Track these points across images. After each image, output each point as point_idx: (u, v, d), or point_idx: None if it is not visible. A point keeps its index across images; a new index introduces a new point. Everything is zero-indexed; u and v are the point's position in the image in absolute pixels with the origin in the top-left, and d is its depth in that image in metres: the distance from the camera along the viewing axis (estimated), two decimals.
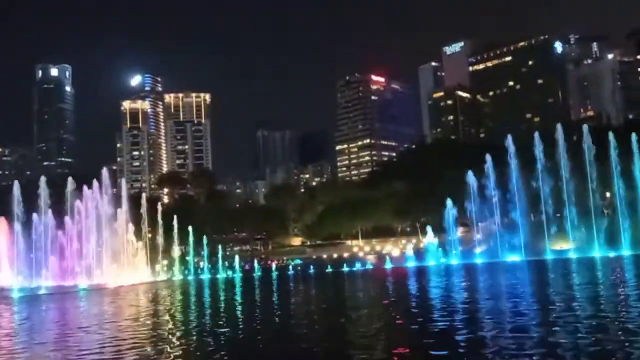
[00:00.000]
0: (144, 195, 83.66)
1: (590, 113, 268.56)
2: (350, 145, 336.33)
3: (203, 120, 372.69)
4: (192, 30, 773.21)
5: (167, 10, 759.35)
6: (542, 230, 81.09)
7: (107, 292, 48.95)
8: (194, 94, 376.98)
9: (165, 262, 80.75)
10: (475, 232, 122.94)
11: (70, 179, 70.67)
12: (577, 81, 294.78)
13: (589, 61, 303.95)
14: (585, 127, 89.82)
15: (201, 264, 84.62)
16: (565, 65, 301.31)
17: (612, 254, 64.22)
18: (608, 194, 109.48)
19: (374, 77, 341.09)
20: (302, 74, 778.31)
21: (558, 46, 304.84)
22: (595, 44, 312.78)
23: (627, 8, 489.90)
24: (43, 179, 67.75)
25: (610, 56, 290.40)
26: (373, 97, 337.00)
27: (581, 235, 78.13)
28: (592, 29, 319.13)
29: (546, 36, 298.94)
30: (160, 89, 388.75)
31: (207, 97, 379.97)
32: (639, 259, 53.72)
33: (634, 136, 76.00)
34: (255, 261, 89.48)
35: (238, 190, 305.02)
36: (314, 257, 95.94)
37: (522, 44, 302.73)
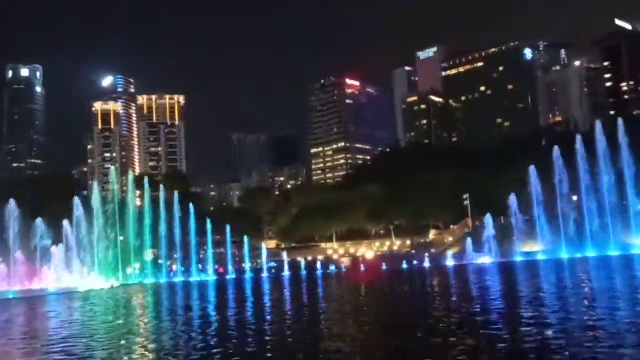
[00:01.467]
0: (116, 197, 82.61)
1: (559, 118, 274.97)
2: (325, 149, 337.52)
3: (177, 122, 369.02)
4: (166, 31, 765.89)
5: (139, 9, 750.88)
6: (511, 233, 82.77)
7: (76, 296, 48.32)
8: (167, 96, 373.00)
9: (137, 265, 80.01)
10: (446, 235, 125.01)
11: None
12: (546, 87, 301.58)
13: (558, 68, 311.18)
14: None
15: (174, 267, 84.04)
16: (534, 72, 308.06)
17: (578, 255, 66.02)
18: (575, 197, 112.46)
19: (348, 81, 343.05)
20: (277, 77, 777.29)
21: (528, 53, 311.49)
22: (563, 51, 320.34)
23: (594, 16, 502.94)
24: None
25: (577, 63, 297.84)
26: (348, 101, 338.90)
27: (550, 237, 79.99)
28: (560, 36, 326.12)
29: (516, 43, 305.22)
30: (132, 90, 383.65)
31: (182, 99, 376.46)
32: (604, 260, 55.39)
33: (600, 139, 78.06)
34: (230, 264, 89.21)
35: (212, 193, 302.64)
36: (289, 259, 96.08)
37: (493, 50, 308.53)
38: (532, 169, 76.69)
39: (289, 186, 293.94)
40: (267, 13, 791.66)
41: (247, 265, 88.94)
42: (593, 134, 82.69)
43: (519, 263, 63.47)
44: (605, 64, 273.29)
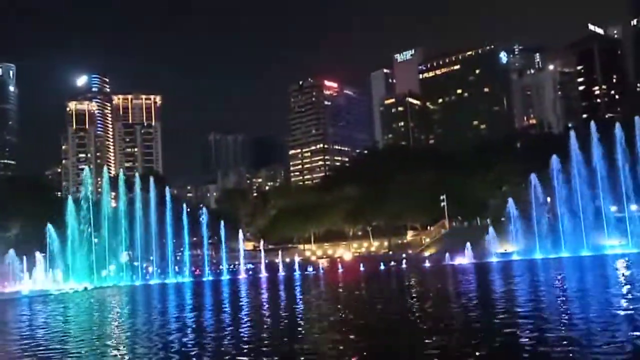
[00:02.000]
0: (90, 197, 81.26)
1: (533, 121, 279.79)
2: (304, 150, 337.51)
3: (153, 123, 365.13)
4: (142, 31, 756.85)
5: (116, 8, 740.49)
6: (485, 235, 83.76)
7: (48, 299, 47.39)
8: (143, 96, 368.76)
9: (112, 267, 78.84)
10: (423, 236, 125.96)
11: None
12: (520, 90, 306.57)
13: (532, 71, 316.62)
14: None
15: (150, 268, 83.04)
16: (509, 75, 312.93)
17: (552, 256, 67.09)
18: (549, 199, 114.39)
19: (327, 83, 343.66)
20: (255, 77, 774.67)
21: (503, 56, 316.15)
22: (537, 54, 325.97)
23: (568, 20, 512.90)
24: None
25: (551, 67, 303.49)
26: (326, 103, 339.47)
27: (524, 238, 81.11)
28: (534, 40, 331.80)
29: (492, 46, 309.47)
30: (108, 89, 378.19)
31: (158, 99, 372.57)
32: (576, 261, 56.39)
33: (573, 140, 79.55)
34: (207, 266, 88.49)
35: (189, 194, 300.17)
36: (267, 261, 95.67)
37: (469, 53, 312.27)
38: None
39: (266, 187, 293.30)
40: (245, 14, 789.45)
41: (224, 267, 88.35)
42: (567, 138, 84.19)
43: (495, 264, 64.23)
44: (578, 68, 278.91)
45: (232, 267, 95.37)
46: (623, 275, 34.30)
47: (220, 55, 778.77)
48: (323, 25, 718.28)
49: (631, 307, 18.38)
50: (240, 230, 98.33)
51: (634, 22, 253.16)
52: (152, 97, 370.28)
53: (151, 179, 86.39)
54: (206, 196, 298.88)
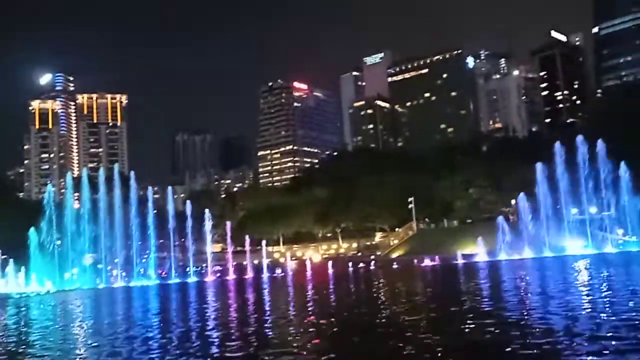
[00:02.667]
0: (52, 199, 79.28)
1: (499, 125, 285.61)
2: (273, 152, 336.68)
3: (119, 123, 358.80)
4: (108, 30, 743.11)
5: (81, 6, 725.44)
6: (451, 236, 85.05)
7: (8, 302, 45.99)
8: (109, 95, 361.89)
9: (75, 270, 77.03)
10: (392, 238, 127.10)
11: None
12: (486, 95, 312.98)
13: (497, 76, 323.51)
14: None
15: (115, 271, 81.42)
16: (476, 80, 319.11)
17: (515, 257, 68.50)
18: (513, 201, 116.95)
19: (296, 84, 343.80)
20: (224, 78, 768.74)
21: (470, 61, 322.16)
22: (503, 60, 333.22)
23: (533, 27, 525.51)
24: None
25: (516, 72, 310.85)
26: (296, 104, 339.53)
27: (489, 239, 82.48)
28: (500, 46, 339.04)
29: (459, 51, 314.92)
30: (72, 88, 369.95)
31: (124, 98, 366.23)
32: (539, 262, 57.69)
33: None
34: (173, 268, 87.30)
35: (155, 196, 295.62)
36: (235, 263, 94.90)
37: (437, 57, 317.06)
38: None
39: (235, 189, 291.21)
40: (214, 13, 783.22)
41: (190, 269, 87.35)
42: (532, 141, 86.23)
43: (460, 265, 65.19)
44: (542, 73, 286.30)
45: (199, 269, 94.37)
46: (581, 275, 35.28)
47: (189, 55, 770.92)
48: (293, 26, 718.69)
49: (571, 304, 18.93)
50: (208, 232, 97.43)
51: (595, 29, 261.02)
52: (117, 96, 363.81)
53: (116, 179, 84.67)
54: (173, 197, 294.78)
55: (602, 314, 16.75)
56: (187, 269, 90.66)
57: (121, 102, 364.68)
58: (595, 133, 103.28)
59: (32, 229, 68.12)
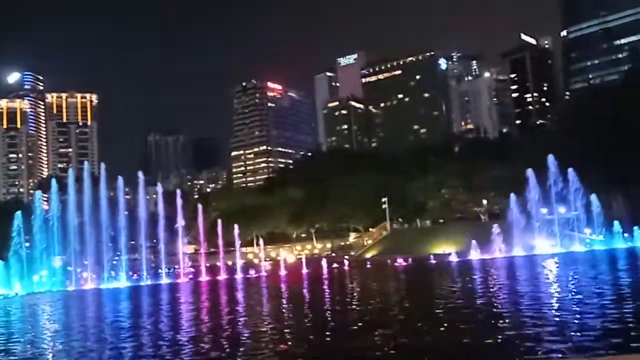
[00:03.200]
0: (20, 199, 77.52)
1: (470, 126, 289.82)
2: (246, 152, 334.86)
3: (89, 122, 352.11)
4: (79, 29, 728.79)
5: (50, 5, 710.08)
6: (424, 235, 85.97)
7: None
8: (79, 94, 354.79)
9: (45, 272, 75.43)
10: (365, 238, 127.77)
11: None
12: (458, 96, 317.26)
13: (469, 78, 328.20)
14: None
15: (85, 273, 79.98)
16: (448, 81, 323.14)
17: (485, 256, 69.56)
18: (485, 202, 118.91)
19: (270, 84, 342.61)
20: (198, 78, 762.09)
21: (442, 63, 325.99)
22: (474, 62, 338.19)
23: (503, 30, 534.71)
24: None
25: (487, 74, 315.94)
26: (270, 104, 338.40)
27: (461, 239, 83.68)
28: (472, 48, 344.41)
29: (432, 53, 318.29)
30: (41, 87, 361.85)
31: (94, 97, 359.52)
32: (509, 260, 58.76)
33: None
34: (145, 270, 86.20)
35: (127, 197, 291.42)
36: (208, 264, 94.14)
37: (410, 59, 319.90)
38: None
39: (208, 190, 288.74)
40: (189, 13, 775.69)
41: (162, 271, 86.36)
42: (502, 142, 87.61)
43: (432, 264, 65.94)
44: (512, 75, 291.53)
45: (171, 270, 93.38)
46: (551, 273, 36.09)
47: (161, 54, 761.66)
48: (269, 27, 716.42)
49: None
50: (180, 233, 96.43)
51: (564, 33, 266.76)
52: (88, 95, 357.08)
53: (85, 179, 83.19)
54: (145, 198, 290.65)
55: (564, 310, 17.19)
56: (159, 271, 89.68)
57: (91, 101, 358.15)
58: (563, 134, 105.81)
59: None
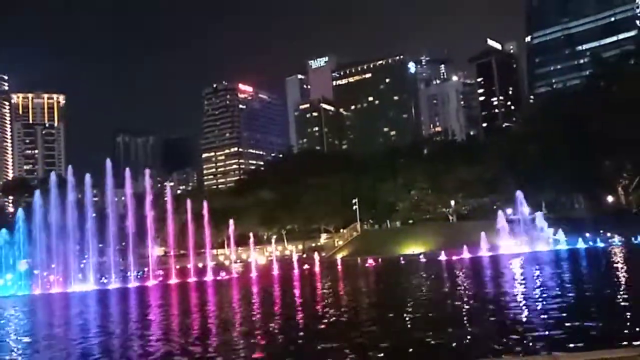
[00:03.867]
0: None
1: (439, 129, 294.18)
2: (217, 154, 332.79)
3: (56, 124, 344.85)
4: (46, 27, 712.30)
5: (17, 3, 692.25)
6: (394, 236, 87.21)
7: None
8: (45, 95, 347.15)
9: (10, 275, 73.83)
10: (336, 239, 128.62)
11: None
12: (427, 99, 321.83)
13: (438, 82, 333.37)
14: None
15: (52, 277, 78.58)
16: (417, 84, 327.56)
17: (454, 258, 71.00)
18: (453, 203, 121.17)
19: (241, 86, 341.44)
20: (168, 79, 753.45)
21: (411, 66, 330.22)
22: (443, 66, 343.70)
23: (470, 34, 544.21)
24: None
25: (455, 78, 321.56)
26: (241, 106, 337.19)
27: (430, 239, 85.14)
28: (440, 52, 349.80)
29: (401, 56, 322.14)
30: (6, 88, 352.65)
31: (61, 98, 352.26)
32: (475, 260, 60.19)
33: None
34: (113, 273, 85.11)
35: (95, 199, 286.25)
36: (178, 267, 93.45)
37: (380, 62, 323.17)
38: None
39: (178, 192, 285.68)
40: (159, 13, 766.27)
41: (131, 273, 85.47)
42: (469, 144, 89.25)
43: (401, 264, 67.02)
44: (479, 79, 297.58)
45: (141, 273, 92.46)
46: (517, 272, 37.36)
47: (130, 55, 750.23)
48: (240, 28, 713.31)
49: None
50: (150, 235, 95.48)
51: (528, 38, 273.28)
52: (55, 96, 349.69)
53: (52, 180, 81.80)
54: (114, 200, 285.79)
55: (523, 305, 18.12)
56: (128, 274, 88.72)
57: (59, 102, 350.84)
58: (528, 137, 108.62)
59: None
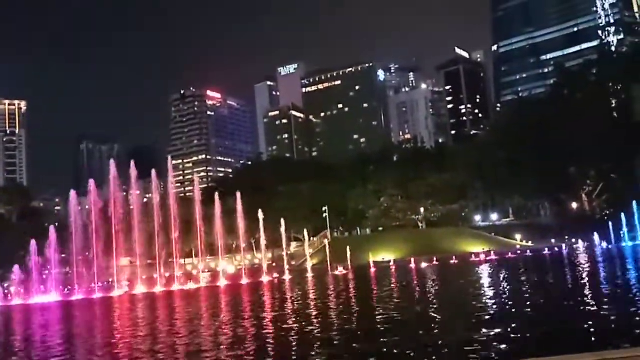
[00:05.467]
0: None
1: (408, 136, 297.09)
2: (185, 161, 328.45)
3: (17, 130, 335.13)
4: (6, 31, 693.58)
5: None
6: (364, 243, 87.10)
7: None
8: (7, 101, 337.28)
9: None
10: (307, 247, 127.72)
11: None
12: (397, 107, 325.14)
13: (407, 89, 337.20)
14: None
15: (12, 288, 75.84)
16: (387, 92, 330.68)
17: (424, 264, 71.16)
18: (422, 209, 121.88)
19: (210, 93, 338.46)
20: (134, 85, 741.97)
21: (381, 74, 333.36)
22: (412, 74, 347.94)
23: (439, 43, 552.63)
24: None
25: (424, 86, 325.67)
26: (209, 113, 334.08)
27: (400, 246, 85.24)
28: (409, 60, 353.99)
29: (370, 64, 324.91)
30: None
31: (23, 104, 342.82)
32: (444, 267, 60.39)
33: None
34: (76, 284, 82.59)
35: (58, 208, 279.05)
36: (144, 277, 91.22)
37: (349, 70, 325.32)
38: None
39: (145, 200, 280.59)
40: (125, 17, 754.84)
41: (95, 284, 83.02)
42: (438, 152, 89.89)
43: (371, 272, 66.75)
44: (447, 87, 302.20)
45: (105, 284, 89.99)
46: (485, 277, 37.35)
47: (96, 61, 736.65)
48: (208, 34, 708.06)
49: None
50: (116, 245, 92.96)
51: (494, 47, 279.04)
52: (16, 102, 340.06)
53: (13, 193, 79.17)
54: (78, 209, 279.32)
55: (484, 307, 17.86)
56: (92, 285, 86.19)
57: (20, 108, 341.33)
58: (495, 145, 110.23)
59: None
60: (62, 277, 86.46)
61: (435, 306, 22.63)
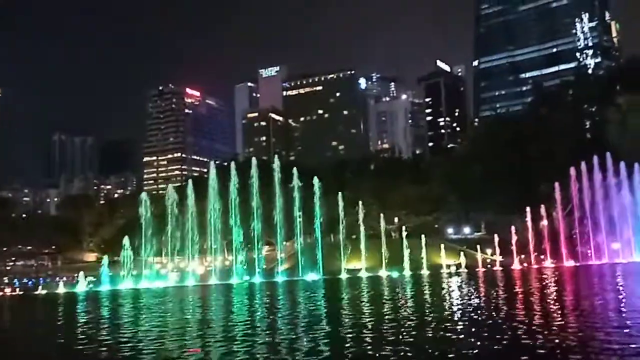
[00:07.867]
0: None
1: (386, 145, 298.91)
2: (160, 158, 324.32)
3: None
4: None
5: None
6: (337, 251, 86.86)
7: None
8: None
9: None
10: (278, 251, 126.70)
11: None
12: (376, 115, 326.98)
13: (387, 99, 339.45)
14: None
15: None
16: (367, 100, 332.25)
17: (395, 274, 71.10)
18: (397, 219, 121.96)
19: (188, 91, 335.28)
20: (112, 79, 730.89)
21: (362, 82, 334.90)
22: (393, 84, 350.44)
23: (421, 55, 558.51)
24: None
25: (404, 97, 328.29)
26: (187, 111, 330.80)
27: (372, 255, 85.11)
28: (391, 70, 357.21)
29: (352, 72, 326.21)
30: None
31: None
32: (416, 277, 60.22)
33: None
34: (40, 278, 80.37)
35: (26, 198, 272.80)
36: (111, 274, 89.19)
37: (331, 76, 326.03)
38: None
39: (116, 195, 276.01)
40: (105, 8, 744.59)
41: (60, 279, 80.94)
42: (415, 163, 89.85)
43: (344, 279, 66.34)
44: (427, 99, 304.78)
45: (70, 279, 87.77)
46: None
47: (72, 53, 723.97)
48: (189, 32, 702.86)
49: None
50: (83, 240, 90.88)
51: (475, 63, 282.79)
52: None
53: None
54: (46, 201, 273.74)
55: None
56: (57, 279, 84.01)
57: None
58: (471, 159, 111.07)
59: None
60: (25, 270, 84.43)
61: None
